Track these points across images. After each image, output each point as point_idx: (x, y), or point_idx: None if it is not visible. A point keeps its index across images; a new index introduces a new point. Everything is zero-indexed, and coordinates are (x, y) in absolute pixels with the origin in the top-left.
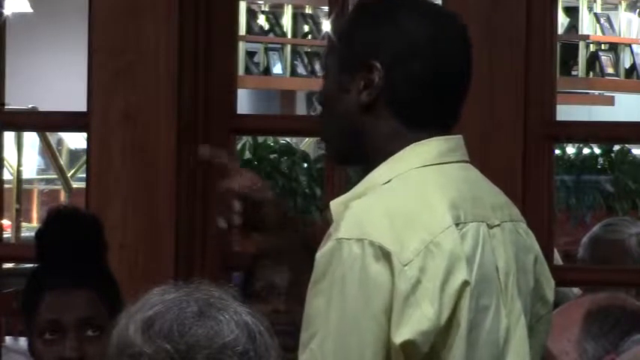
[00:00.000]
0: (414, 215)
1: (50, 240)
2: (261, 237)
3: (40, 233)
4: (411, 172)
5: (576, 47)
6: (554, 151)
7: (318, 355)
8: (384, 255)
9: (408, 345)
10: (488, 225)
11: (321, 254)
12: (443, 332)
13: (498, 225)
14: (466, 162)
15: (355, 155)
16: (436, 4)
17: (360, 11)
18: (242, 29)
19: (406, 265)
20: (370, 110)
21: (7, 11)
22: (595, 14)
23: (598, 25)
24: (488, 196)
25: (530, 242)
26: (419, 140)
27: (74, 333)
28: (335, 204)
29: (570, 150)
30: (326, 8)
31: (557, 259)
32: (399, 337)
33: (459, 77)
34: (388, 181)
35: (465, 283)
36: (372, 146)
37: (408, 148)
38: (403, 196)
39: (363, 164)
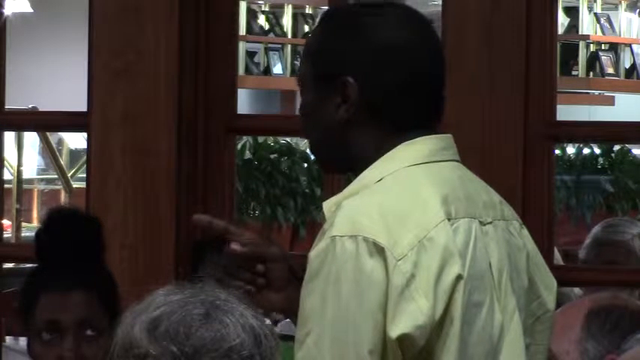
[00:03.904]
0: (407, 211)
1: (49, 240)
2: (272, 295)
3: (39, 233)
4: (402, 170)
5: (576, 47)
6: (554, 151)
7: (314, 351)
8: (378, 250)
9: (404, 339)
10: (480, 222)
11: (314, 253)
12: (437, 327)
13: (490, 222)
14: (457, 161)
15: (342, 164)
16: (397, 5)
17: (326, 26)
18: (242, 29)
19: (400, 259)
20: (351, 123)
21: (8, 11)
22: (595, 14)
23: (598, 25)
24: (480, 194)
25: (522, 241)
26: (406, 141)
27: (72, 334)
28: (327, 204)
29: (570, 150)
30: (326, 8)
31: (558, 259)
32: (395, 331)
33: (432, 77)
34: (380, 180)
35: (459, 278)
36: (358, 155)
37: (399, 147)
38: (395, 193)
39: (351, 172)
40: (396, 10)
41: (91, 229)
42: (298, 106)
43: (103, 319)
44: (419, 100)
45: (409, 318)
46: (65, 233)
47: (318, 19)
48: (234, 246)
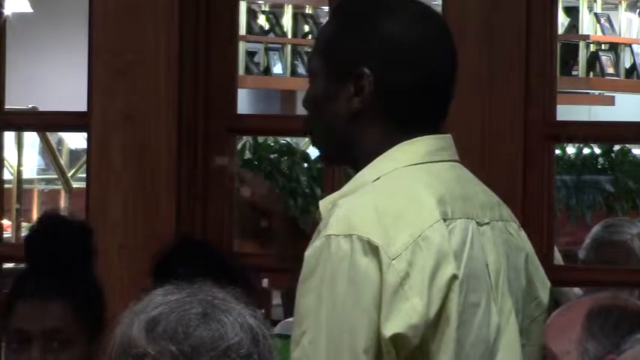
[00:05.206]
0: (402, 211)
1: (35, 245)
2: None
3: (26, 238)
4: (399, 170)
5: (576, 47)
6: (554, 151)
7: (310, 351)
8: (372, 249)
9: (397, 338)
10: (477, 222)
11: (309, 252)
12: (432, 327)
13: (488, 223)
14: (456, 161)
15: (345, 158)
16: (413, 2)
17: (342, 16)
18: (242, 29)
19: (394, 258)
20: (360, 117)
21: (7, 11)
22: (595, 14)
23: (598, 25)
24: (478, 195)
25: (521, 242)
26: (406, 141)
27: (39, 344)
28: (323, 203)
29: (570, 150)
30: (326, 8)
31: (558, 259)
32: (389, 330)
33: (446, 76)
34: (376, 179)
35: (454, 277)
36: (364, 150)
37: (397, 146)
38: (391, 192)
39: (353, 166)
40: (411, 5)
41: (79, 235)
42: (299, 105)
43: (76, 329)
44: (430, 98)
45: (403, 317)
46: (51, 239)
47: (324, 16)
48: (245, 192)
